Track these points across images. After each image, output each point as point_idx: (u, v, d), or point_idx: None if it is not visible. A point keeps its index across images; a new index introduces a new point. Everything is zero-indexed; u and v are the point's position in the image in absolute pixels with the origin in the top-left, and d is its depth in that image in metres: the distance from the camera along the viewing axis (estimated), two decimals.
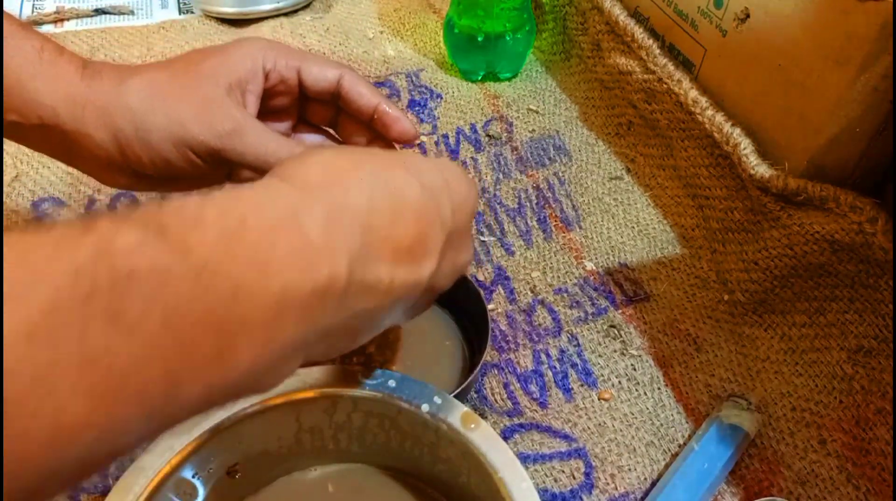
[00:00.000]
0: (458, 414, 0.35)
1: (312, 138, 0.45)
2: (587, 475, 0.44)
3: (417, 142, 0.43)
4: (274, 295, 0.22)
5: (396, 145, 0.44)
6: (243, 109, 0.39)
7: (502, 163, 0.62)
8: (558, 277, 0.54)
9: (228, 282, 0.21)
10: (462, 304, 0.47)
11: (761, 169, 0.48)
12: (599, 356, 0.50)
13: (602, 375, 0.49)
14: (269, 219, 0.24)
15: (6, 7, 0.75)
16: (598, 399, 0.47)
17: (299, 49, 0.44)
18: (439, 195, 0.31)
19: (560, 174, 0.61)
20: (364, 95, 0.42)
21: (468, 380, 0.42)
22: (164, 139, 0.38)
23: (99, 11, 0.75)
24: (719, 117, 0.51)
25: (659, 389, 0.48)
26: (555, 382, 0.48)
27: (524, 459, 0.44)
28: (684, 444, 0.45)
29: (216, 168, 0.40)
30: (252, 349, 0.22)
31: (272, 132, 0.39)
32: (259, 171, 0.39)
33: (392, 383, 0.35)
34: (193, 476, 0.34)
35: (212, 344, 0.21)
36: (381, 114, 0.42)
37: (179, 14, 0.76)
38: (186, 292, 0.21)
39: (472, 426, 0.34)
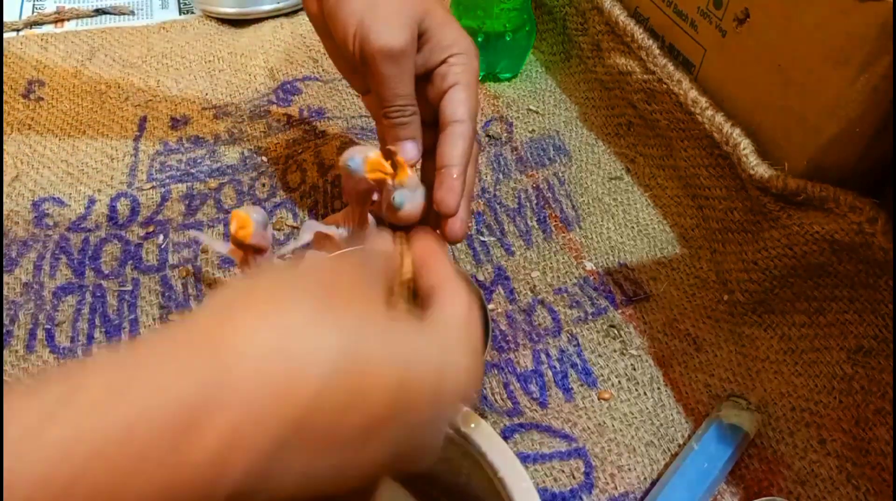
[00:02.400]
0: (458, 414, 0.35)
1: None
2: (587, 474, 0.44)
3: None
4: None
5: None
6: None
7: (502, 163, 0.62)
8: (558, 277, 0.54)
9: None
10: None
11: (761, 169, 0.48)
12: (599, 355, 0.50)
13: (602, 375, 0.49)
14: (154, 432, 0.20)
15: (6, 8, 0.75)
16: (598, 399, 0.47)
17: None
18: (412, 407, 0.24)
19: (560, 174, 0.61)
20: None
21: None
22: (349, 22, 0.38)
23: (99, 12, 0.75)
24: (719, 117, 0.52)
25: (659, 389, 0.48)
26: (555, 382, 0.48)
27: (524, 459, 0.44)
28: (684, 444, 0.45)
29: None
30: None
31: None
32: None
33: None
34: None
35: None
36: (444, 172, 0.40)
37: (179, 14, 0.76)
38: None
39: (472, 425, 0.34)
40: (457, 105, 0.40)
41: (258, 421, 0.21)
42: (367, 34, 0.38)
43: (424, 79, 0.42)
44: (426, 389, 0.25)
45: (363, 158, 0.39)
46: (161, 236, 0.55)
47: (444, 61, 0.41)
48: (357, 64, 0.40)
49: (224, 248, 0.47)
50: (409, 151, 0.41)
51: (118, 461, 0.19)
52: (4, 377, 0.47)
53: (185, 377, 0.21)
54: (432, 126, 0.42)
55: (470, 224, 0.55)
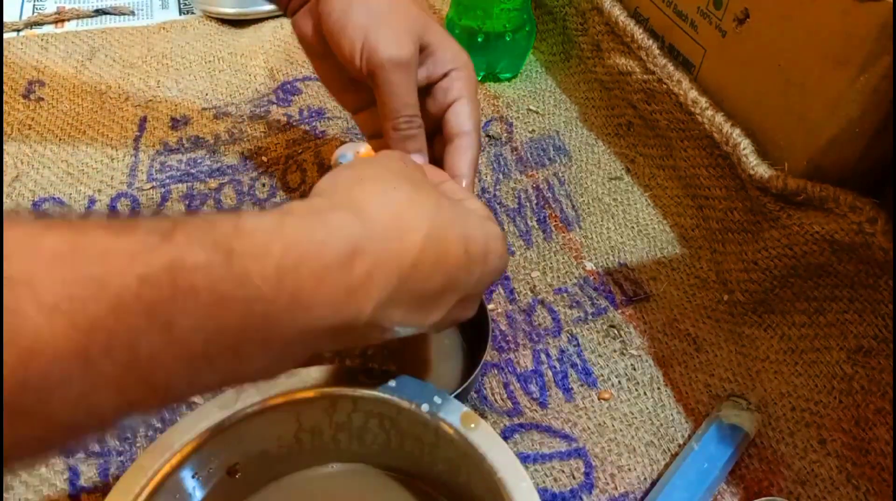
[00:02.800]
0: (458, 414, 0.35)
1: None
2: (587, 474, 0.44)
3: None
4: (300, 327, 0.25)
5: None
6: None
7: (502, 163, 0.62)
8: (558, 277, 0.54)
9: (267, 313, 0.24)
10: None
11: (761, 169, 0.48)
12: (599, 355, 0.50)
13: (602, 375, 0.49)
14: (325, 261, 0.26)
15: (6, 8, 0.75)
16: (598, 399, 0.47)
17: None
18: (473, 264, 0.32)
19: (560, 174, 0.61)
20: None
21: (469, 380, 0.42)
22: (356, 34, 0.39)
23: (99, 12, 0.75)
24: (719, 118, 0.52)
25: (659, 389, 0.48)
26: (555, 382, 0.48)
27: (524, 459, 0.44)
28: (684, 444, 0.45)
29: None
30: (265, 362, 0.26)
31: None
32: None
33: (392, 383, 0.35)
34: (193, 476, 0.34)
35: (235, 358, 0.24)
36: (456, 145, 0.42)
37: (180, 14, 0.76)
38: (233, 317, 0.23)
39: (472, 426, 0.34)
40: (463, 118, 0.42)
41: (385, 268, 0.27)
42: (375, 46, 0.39)
43: (424, 92, 0.43)
44: (479, 253, 0.32)
45: (354, 154, 0.39)
46: None
47: (445, 75, 0.42)
48: (363, 78, 0.40)
49: None
50: (421, 162, 0.42)
51: (315, 270, 0.25)
52: None
53: (340, 229, 0.27)
54: (430, 139, 0.43)
55: None
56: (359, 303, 0.27)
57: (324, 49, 0.42)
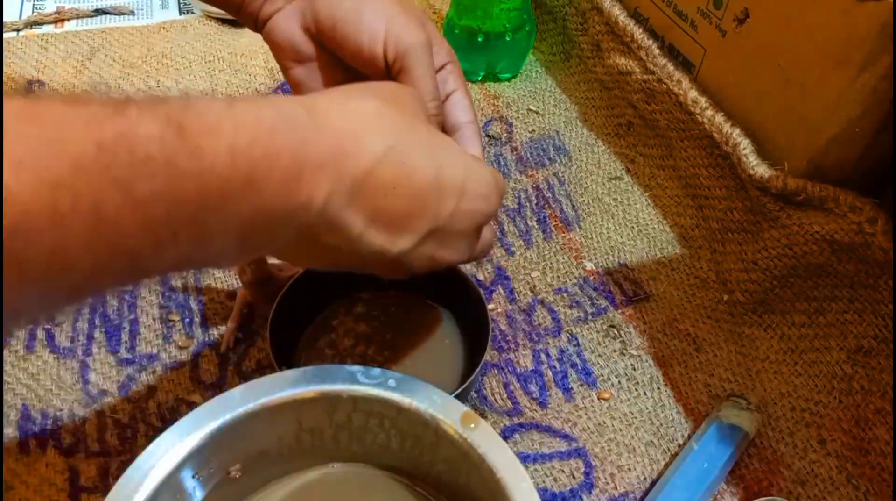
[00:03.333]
0: (458, 414, 0.35)
1: None
2: (587, 474, 0.44)
3: None
4: (255, 209, 0.26)
5: None
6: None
7: (502, 163, 0.62)
8: (558, 277, 0.54)
9: (223, 190, 0.25)
10: (462, 304, 0.47)
11: (761, 169, 0.48)
12: (599, 355, 0.50)
13: (602, 375, 0.49)
14: (275, 146, 0.26)
15: (6, 8, 0.75)
16: (598, 399, 0.47)
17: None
18: (446, 195, 0.32)
19: (560, 174, 0.61)
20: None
21: (469, 380, 0.42)
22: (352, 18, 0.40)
23: (99, 12, 0.75)
24: (719, 117, 0.52)
25: (658, 389, 0.48)
26: (555, 382, 0.48)
27: (524, 459, 0.44)
28: (684, 444, 0.45)
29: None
30: (226, 242, 0.27)
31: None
32: None
33: (392, 383, 0.35)
34: (193, 477, 0.34)
35: (197, 233, 0.25)
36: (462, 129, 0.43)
37: (180, 14, 0.76)
38: (191, 190, 0.24)
39: (472, 426, 0.34)
40: (462, 108, 0.43)
41: (336, 165, 0.28)
42: (401, 31, 0.40)
43: None
44: (453, 185, 0.32)
45: None
46: None
47: (442, 68, 0.43)
48: (377, 68, 0.41)
49: None
50: None
51: (267, 152, 0.26)
52: (4, 378, 0.47)
53: (290, 118, 0.27)
54: None
55: None
56: (309, 191, 0.27)
57: (314, 49, 0.43)
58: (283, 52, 0.44)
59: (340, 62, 0.43)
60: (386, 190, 0.30)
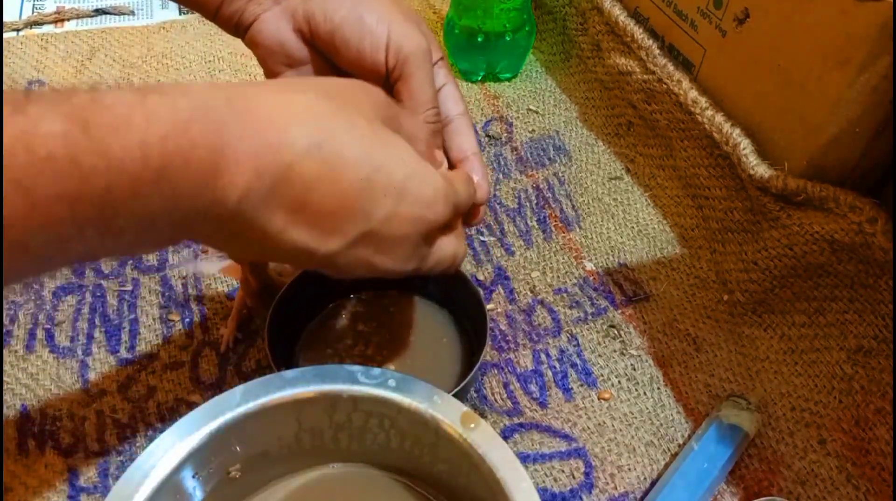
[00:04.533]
0: (458, 414, 0.35)
1: None
2: (587, 474, 0.44)
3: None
4: (167, 203, 0.25)
5: None
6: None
7: (502, 163, 0.62)
8: (558, 277, 0.54)
9: (132, 185, 0.24)
10: (461, 303, 0.47)
11: (761, 169, 0.48)
12: (599, 355, 0.50)
13: (602, 375, 0.49)
14: (189, 140, 0.25)
15: (6, 8, 0.75)
16: (598, 399, 0.47)
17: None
18: (380, 195, 0.30)
19: (560, 174, 0.61)
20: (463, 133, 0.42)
21: (466, 379, 0.42)
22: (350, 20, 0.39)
23: (99, 11, 0.75)
24: (719, 117, 0.52)
25: (658, 389, 0.48)
26: (554, 382, 0.48)
27: (524, 459, 0.44)
28: (684, 444, 0.45)
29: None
30: (137, 235, 0.26)
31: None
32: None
33: (392, 383, 0.35)
34: (193, 477, 0.34)
35: (105, 228, 0.25)
36: (468, 161, 0.41)
37: (180, 14, 0.76)
38: (97, 186, 0.23)
39: (472, 425, 0.34)
40: (453, 101, 0.42)
41: (255, 159, 0.27)
42: (402, 37, 0.38)
43: None
44: (388, 187, 0.30)
45: None
46: None
47: (434, 64, 0.42)
48: (376, 73, 0.39)
49: (215, 268, 0.47)
50: (444, 160, 0.42)
51: (181, 147, 0.25)
52: (4, 378, 0.47)
53: (207, 110, 0.26)
54: None
55: None
56: (224, 186, 0.26)
57: (308, 53, 0.41)
58: (272, 56, 0.42)
59: (334, 66, 0.41)
60: (309, 186, 0.28)
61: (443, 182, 0.33)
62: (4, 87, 0.64)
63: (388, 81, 0.40)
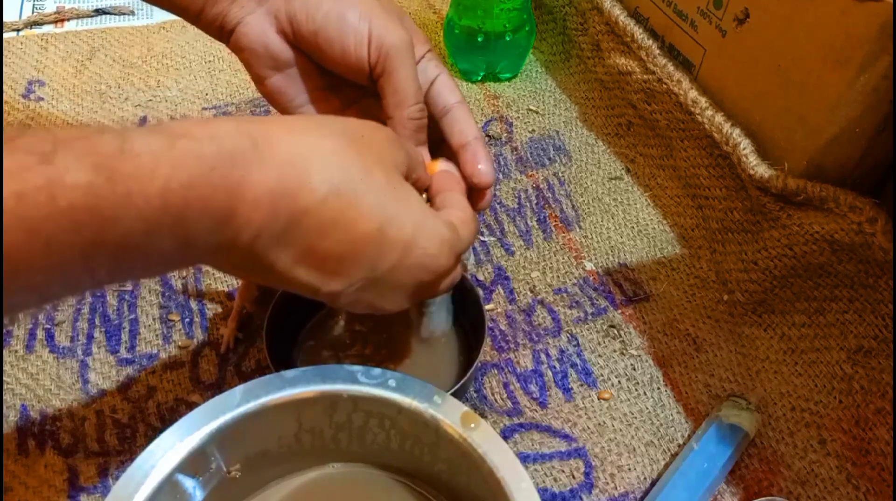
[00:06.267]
0: (458, 414, 0.35)
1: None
2: (587, 474, 0.44)
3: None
4: (180, 243, 0.26)
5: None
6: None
7: (502, 163, 0.62)
8: (558, 277, 0.54)
9: (148, 230, 0.25)
10: (460, 303, 0.47)
11: (761, 169, 0.48)
12: (599, 355, 0.50)
13: (602, 375, 0.49)
14: (210, 185, 0.26)
15: (6, 8, 0.75)
16: (598, 399, 0.47)
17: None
18: (388, 247, 0.31)
19: (560, 174, 0.61)
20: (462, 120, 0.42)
21: (464, 379, 0.42)
22: (330, 19, 0.39)
23: (99, 11, 0.75)
24: (719, 117, 0.52)
25: (658, 389, 0.48)
26: (554, 382, 0.48)
27: (524, 459, 0.44)
28: (684, 444, 0.45)
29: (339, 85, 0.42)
30: (144, 272, 0.27)
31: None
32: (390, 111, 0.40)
33: (392, 382, 0.35)
34: (193, 477, 0.34)
35: (115, 268, 0.25)
36: (470, 146, 0.41)
37: (179, 17, 0.76)
38: (113, 235, 0.24)
39: (472, 425, 0.34)
40: (449, 91, 0.42)
41: (274, 202, 0.27)
42: (384, 32, 0.38)
43: None
44: (399, 239, 0.31)
45: None
46: None
47: (422, 57, 0.42)
48: (360, 71, 0.39)
49: None
50: (427, 157, 0.41)
51: (202, 194, 0.26)
52: (4, 378, 0.47)
53: (233, 155, 0.27)
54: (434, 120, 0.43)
55: None
56: (238, 227, 0.27)
57: (293, 55, 0.41)
58: (258, 60, 0.41)
59: (319, 68, 0.41)
60: (322, 232, 0.29)
61: (448, 234, 0.34)
62: (7, 92, 0.64)
63: (371, 77, 0.40)
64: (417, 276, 0.33)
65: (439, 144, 0.42)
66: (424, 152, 0.41)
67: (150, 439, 0.33)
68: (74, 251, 0.23)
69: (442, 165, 0.41)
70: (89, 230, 0.23)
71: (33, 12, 0.74)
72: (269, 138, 0.28)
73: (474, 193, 0.41)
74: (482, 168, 0.40)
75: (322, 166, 0.29)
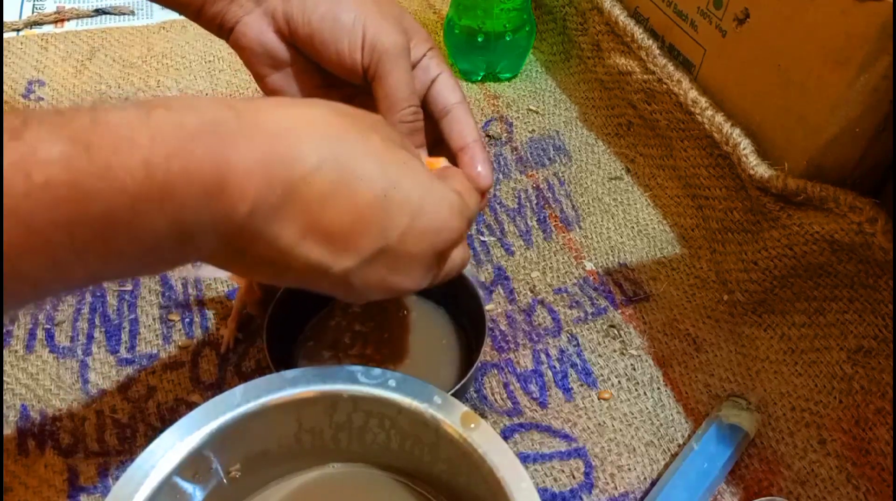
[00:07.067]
0: (458, 414, 0.35)
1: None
2: (587, 474, 0.44)
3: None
4: (171, 220, 0.25)
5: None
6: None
7: (502, 163, 0.62)
8: (558, 277, 0.54)
9: (135, 206, 0.24)
10: (460, 303, 0.47)
11: (761, 169, 0.48)
12: (599, 355, 0.50)
13: (602, 375, 0.49)
14: (194, 155, 0.25)
15: (6, 8, 0.75)
16: (598, 399, 0.47)
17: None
18: (397, 211, 0.29)
19: (560, 174, 0.61)
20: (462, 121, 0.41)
21: (465, 379, 0.42)
22: (325, 19, 0.38)
23: (99, 11, 0.75)
24: (719, 117, 0.52)
25: (658, 389, 0.48)
26: (555, 382, 0.48)
27: (524, 459, 0.44)
28: (684, 444, 0.45)
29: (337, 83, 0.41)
30: (138, 255, 0.25)
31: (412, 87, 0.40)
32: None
33: (392, 382, 0.35)
34: (193, 477, 0.34)
35: (105, 250, 0.24)
36: (469, 149, 0.41)
37: (180, 14, 0.76)
38: (96, 209, 0.23)
39: (472, 425, 0.34)
40: (450, 90, 0.42)
41: (266, 172, 0.26)
42: (377, 35, 0.38)
43: None
44: (404, 203, 0.30)
45: None
46: None
47: (423, 55, 0.42)
48: (356, 73, 0.39)
49: (218, 272, 0.47)
50: (424, 159, 0.41)
51: (187, 163, 0.24)
52: (4, 378, 0.47)
53: (215, 124, 0.26)
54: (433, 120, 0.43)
55: None
56: (232, 200, 0.25)
57: (290, 54, 0.41)
58: (256, 59, 0.41)
59: (318, 67, 0.41)
60: (323, 201, 0.27)
61: (456, 198, 0.33)
62: (7, 92, 0.64)
63: (366, 80, 0.40)
64: (431, 242, 0.31)
65: (440, 144, 0.42)
66: (423, 154, 0.41)
67: (150, 439, 0.33)
68: (59, 231, 0.22)
69: (443, 163, 0.41)
70: (69, 206, 0.22)
71: (33, 12, 0.74)
72: (252, 110, 0.27)
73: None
74: (481, 171, 0.40)
75: (313, 134, 0.28)
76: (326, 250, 0.28)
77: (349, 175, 0.28)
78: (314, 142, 0.28)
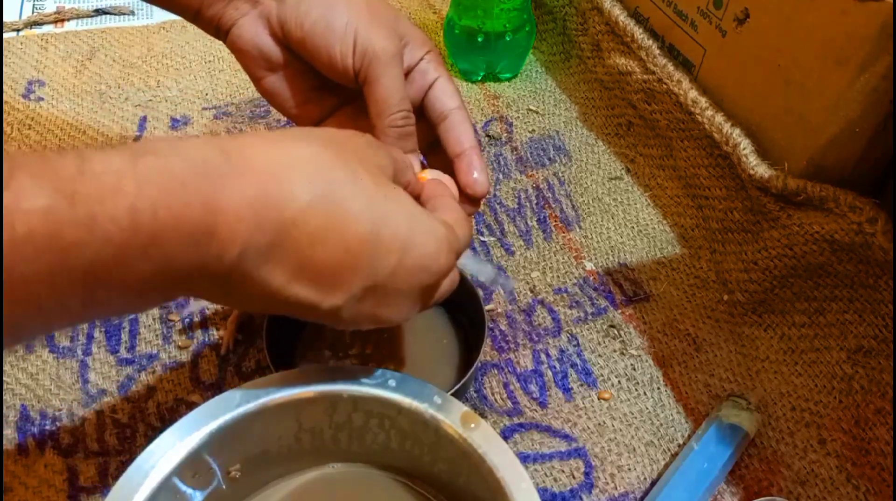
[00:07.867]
0: (458, 414, 0.35)
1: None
2: (587, 474, 0.44)
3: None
4: (158, 267, 0.25)
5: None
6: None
7: (502, 163, 0.62)
8: (558, 277, 0.54)
9: (119, 255, 0.23)
10: (460, 303, 0.47)
11: (761, 169, 0.48)
12: (599, 355, 0.50)
13: (602, 375, 0.49)
14: (184, 200, 0.25)
15: (6, 8, 0.75)
16: (598, 399, 0.47)
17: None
18: (384, 251, 0.29)
19: (560, 174, 0.61)
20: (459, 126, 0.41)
21: (464, 379, 0.42)
22: (319, 23, 0.38)
23: (99, 12, 0.75)
24: (719, 117, 0.52)
25: (658, 389, 0.48)
26: (554, 382, 0.48)
27: (524, 459, 0.44)
28: (684, 444, 0.45)
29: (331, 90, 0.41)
30: (123, 301, 0.25)
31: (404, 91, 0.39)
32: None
33: (392, 382, 0.35)
34: (193, 477, 0.34)
35: (89, 299, 0.24)
36: (465, 155, 0.41)
37: (178, 16, 0.76)
38: (80, 261, 0.23)
39: (472, 425, 0.34)
40: (448, 94, 0.42)
41: (257, 214, 0.26)
42: (368, 40, 0.38)
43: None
44: (394, 241, 0.30)
45: None
46: None
47: (421, 59, 0.41)
48: (348, 77, 0.39)
49: None
50: (417, 166, 0.41)
51: (175, 210, 0.24)
52: (4, 378, 0.47)
53: (205, 167, 0.26)
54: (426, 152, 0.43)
55: None
56: (222, 243, 0.25)
57: (285, 56, 0.41)
58: (252, 61, 0.42)
59: (313, 69, 0.41)
60: (312, 241, 0.27)
61: (445, 232, 0.32)
62: (7, 92, 0.64)
63: (357, 85, 0.40)
64: (419, 277, 0.31)
65: (436, 148, 0.42)
66: (414, 160, 0.41)
67: (149, 439, 0.33)
68: (39, 283, 0.22)
69: (430, 174, 0.40)
70: (51, 257, 0.22)
71: (33, 12, 0.74)
72: (241, 150, 0.27)
73: (466, 201, 0.41)
74: (477, 178, 0.40)
75: (303, 173, 0.28)
76: (316, 290, 0.29)
77: (338, 214, 0.28)
78: (304, 182, 0.28)
